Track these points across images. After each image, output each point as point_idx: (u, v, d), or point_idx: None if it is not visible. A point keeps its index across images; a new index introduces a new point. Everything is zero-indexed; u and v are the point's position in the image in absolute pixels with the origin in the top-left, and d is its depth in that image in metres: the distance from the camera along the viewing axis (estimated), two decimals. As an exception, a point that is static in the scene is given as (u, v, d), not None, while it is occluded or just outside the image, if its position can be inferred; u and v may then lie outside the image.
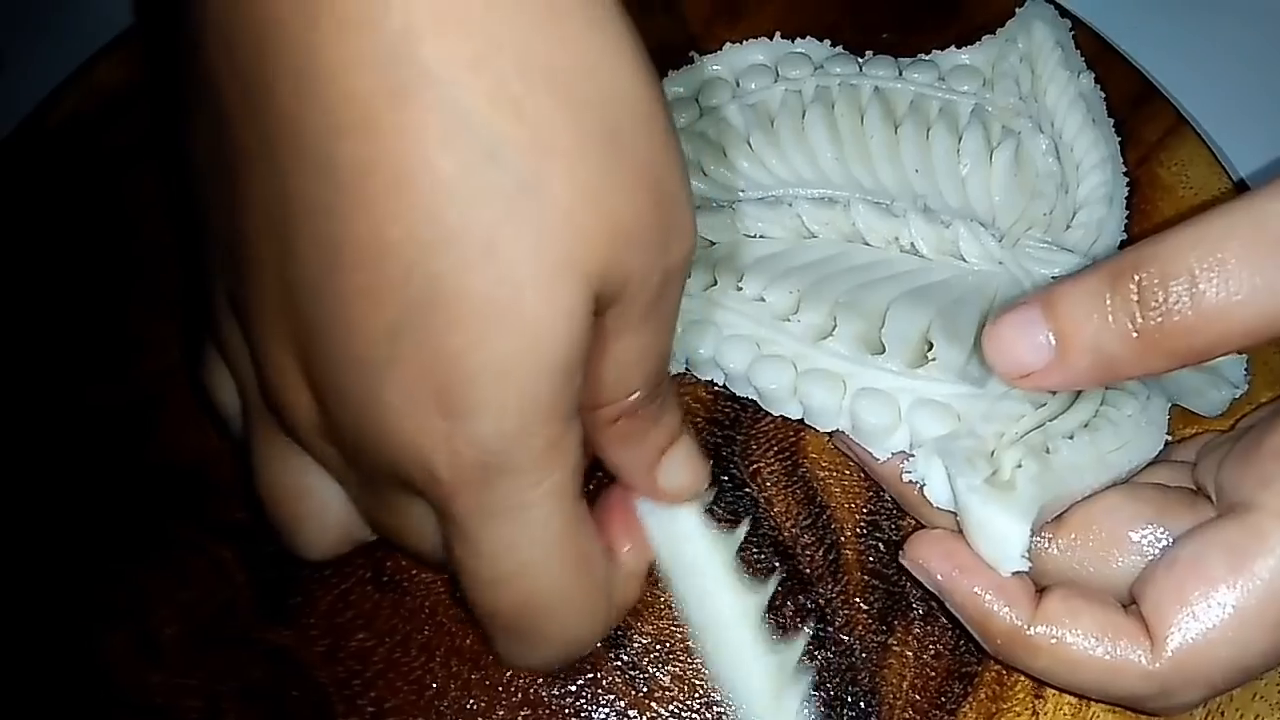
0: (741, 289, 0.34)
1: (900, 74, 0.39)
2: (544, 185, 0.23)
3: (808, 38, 0.40)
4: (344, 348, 0.24)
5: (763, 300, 0.34)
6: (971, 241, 0.34)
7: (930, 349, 0.32)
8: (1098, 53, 0.40)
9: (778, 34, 0.40)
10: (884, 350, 0.32)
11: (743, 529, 0.32)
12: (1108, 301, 0.27)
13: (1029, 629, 0.29)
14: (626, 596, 0.30)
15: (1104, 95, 0.39)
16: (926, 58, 0.40)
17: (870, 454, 0.32)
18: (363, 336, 0.24)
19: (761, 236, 0.36)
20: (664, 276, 0.25)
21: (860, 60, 0.40)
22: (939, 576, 0.30)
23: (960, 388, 0.31)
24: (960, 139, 0.37)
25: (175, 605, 0.34)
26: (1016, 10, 0.40)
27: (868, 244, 0.35)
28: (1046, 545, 0.29)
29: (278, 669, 0.33)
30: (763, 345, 0.33)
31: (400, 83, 0.22)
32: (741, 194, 0.37)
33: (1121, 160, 0.38)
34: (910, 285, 0.34)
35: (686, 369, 0.35)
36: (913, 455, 0.31)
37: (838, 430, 0.32)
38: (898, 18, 0.42)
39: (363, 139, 0.22)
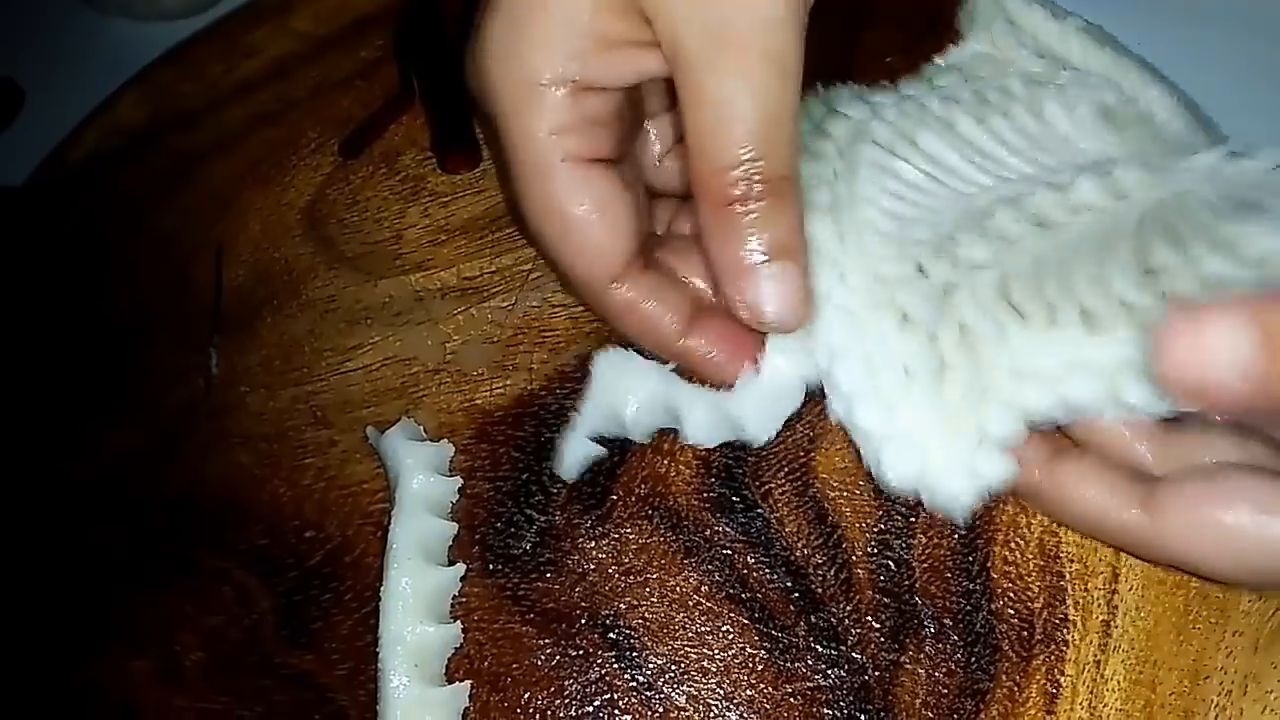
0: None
1: (931, 82, 0.38)
2: None
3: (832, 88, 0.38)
4: None
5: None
6: (1104, 188, 0.32)
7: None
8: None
9: None
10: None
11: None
12: None
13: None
14: (634, 310, 0.31)
15: None
16: (942, 64, 0.39)
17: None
18: None
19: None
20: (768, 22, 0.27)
21: (891, 90, 0.38)
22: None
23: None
24: (1041, 109, 0.36)
25: (199, 631, 0.34)
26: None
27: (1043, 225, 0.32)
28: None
29: (300, 693, 0.33)
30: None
31: None
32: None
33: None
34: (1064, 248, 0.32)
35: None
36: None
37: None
38: (899, 41, 0.42)
39: None
